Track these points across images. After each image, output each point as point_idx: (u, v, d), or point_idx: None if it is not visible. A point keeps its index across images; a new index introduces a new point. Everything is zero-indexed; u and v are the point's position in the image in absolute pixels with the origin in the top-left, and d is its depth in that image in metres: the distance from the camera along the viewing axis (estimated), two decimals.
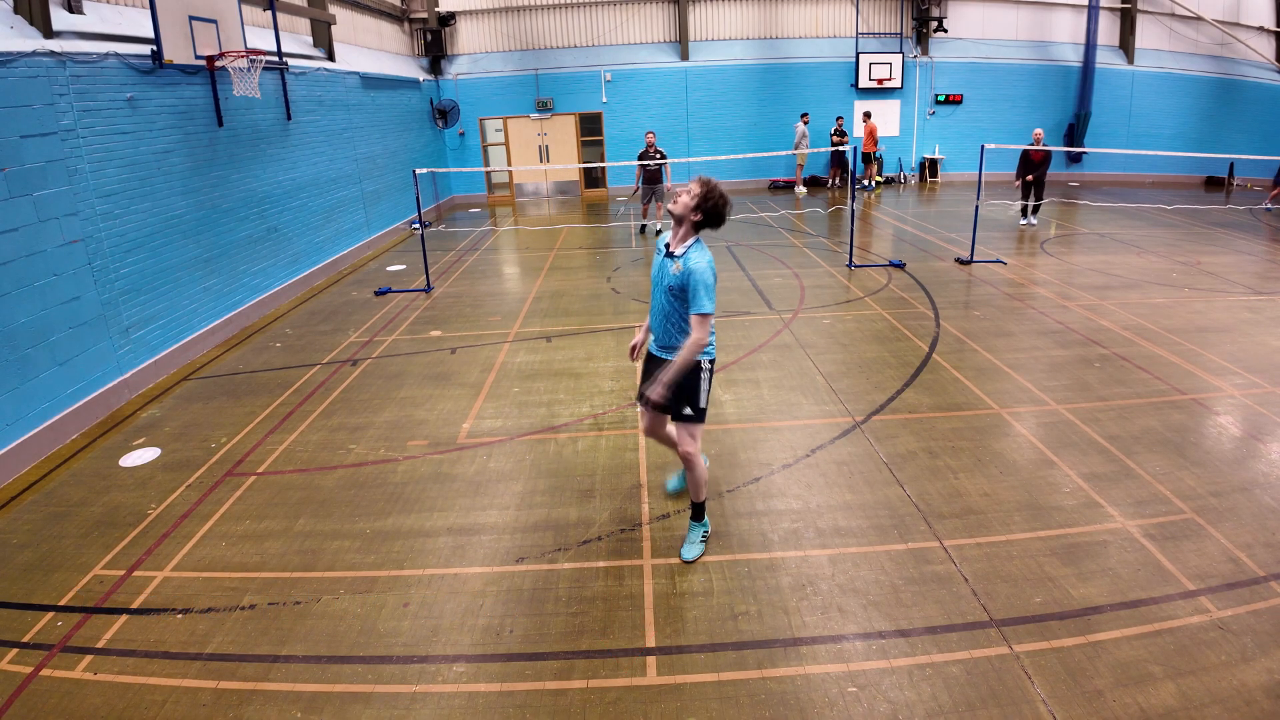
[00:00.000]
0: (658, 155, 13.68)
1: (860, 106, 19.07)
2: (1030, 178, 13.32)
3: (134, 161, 7.19)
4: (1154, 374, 6.55)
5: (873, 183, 18.75)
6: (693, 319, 3.76)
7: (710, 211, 3.77)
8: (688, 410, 3.95)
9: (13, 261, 5.66)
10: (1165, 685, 3.18)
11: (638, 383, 4.13)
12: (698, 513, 4.24)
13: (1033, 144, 13.17)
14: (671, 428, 4.28)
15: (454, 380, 7.02)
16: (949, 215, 14.88)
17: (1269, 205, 15.33)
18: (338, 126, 12.32)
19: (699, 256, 3.74)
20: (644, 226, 14.36)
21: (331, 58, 12.60)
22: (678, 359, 3.77)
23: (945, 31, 18.91)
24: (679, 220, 3.82)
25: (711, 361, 4.01)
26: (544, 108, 18.76)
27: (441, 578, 4.13)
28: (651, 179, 13.72)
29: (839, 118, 18.11)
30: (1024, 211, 13.74)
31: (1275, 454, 5.16)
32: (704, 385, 3.96)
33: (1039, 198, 13.51)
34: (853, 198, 11.30)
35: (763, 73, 18.85)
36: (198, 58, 7.98)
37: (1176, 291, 9.11)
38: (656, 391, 3.78)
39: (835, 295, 9.35)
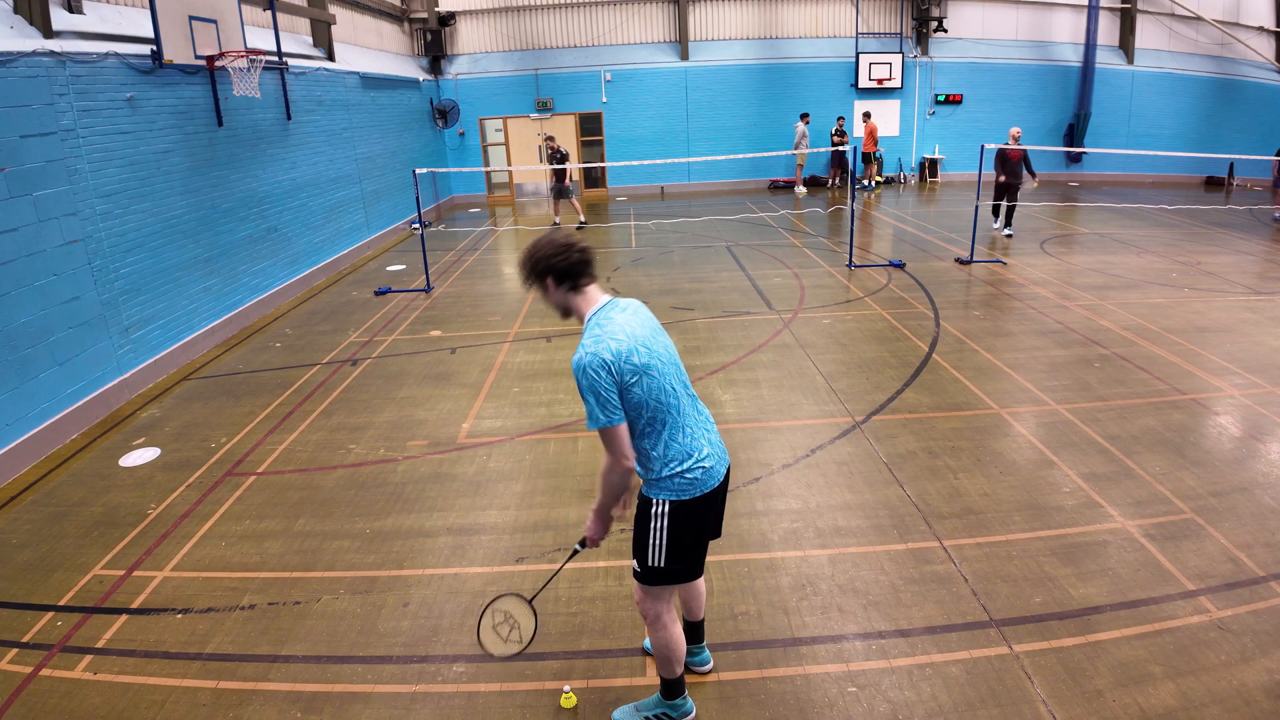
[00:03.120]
0: (560, 156, 14.69)
1: (860, 106, 19.06)
2: (1004, 178, 12.43)
3: (134, 161, 7.19)
4: (1154, 374, 6.55)
5: (873, 183, 18.75)
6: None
7: (544, 270, 2.63)
8: (634, 564, 2.83)
9: (13, 261, 5.66)
10: (1165, 685, 3.18)
11: None
12: (664, 689, 3.04)
13: (1009, 143, 12.33)
14: None
15: (454, 380, 7.02)
16: (949, 215, 14.88)
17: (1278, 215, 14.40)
18: (337, 126, 12.32)
19: (582, 342, 2.57)
20: (556, 223, 15.28)
21: (331, 58, 12.60)
22: (599, 496, 2.77)
23: (945, 31, 18.91)
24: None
25: (672, 504, 2.68)
26: (544, 108, 18.76)
27: (441, 578, 4.13)
28: (559, 178, 14.80)
29: (840, 118, 18.12)
30: (994, 212, 13.03)
31: (1275, 454, 5.16)
32: (653, 537, 2.71)
33: (1013, 199, 12.48)
34: (853, 198, 11.31)
35: (763, 73, 18.85)
36: (198, 58, 7.98)
37: (1176, 291, 9.11)
38: (587, 525, 2.90)
39: (835, 295, 9.35)
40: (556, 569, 3.38)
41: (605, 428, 2.53)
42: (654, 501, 2.70)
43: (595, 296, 2.68)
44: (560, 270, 2.61)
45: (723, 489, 2.81)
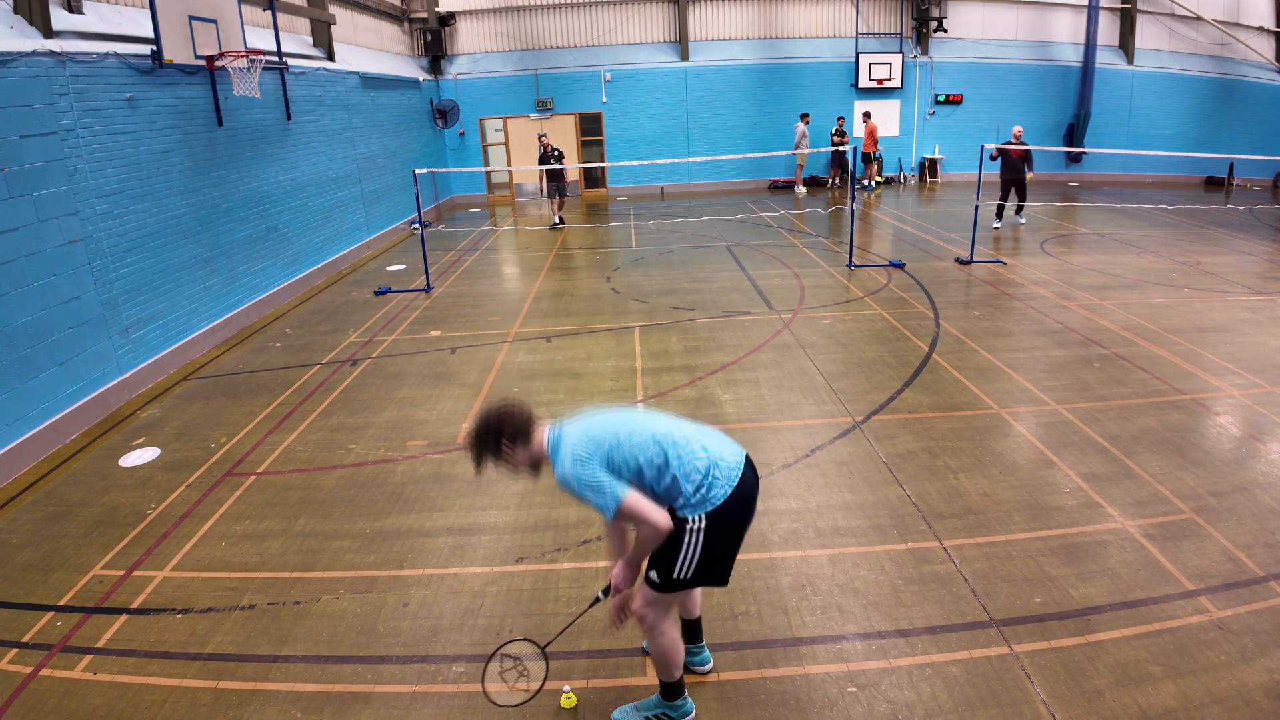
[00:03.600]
0: (556, 155, 14.90)
1: (860, 106, 19.06)
2: (1006, 175, 13.19)
3: (134, 161, 7.19)
4: (1154, 374, 6.55)
5: (873, 183, 18.75)
6: (615, 523, 2.79)
7: (496, 439, 2.70)
8: (653, 573, 2.82)
9: (13, 261, 5.66)
10: (1165, 685, 3.18)
11: None
12: (664, 690, 3.06)
13: (1011, 141, 13.02)
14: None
15: (454, 380, 7.02)
16: (949, 215, 14.88)
17: None
18: (337, 126, 12.32)
19: (562, 456, 2.66)
20: (555, 223, 15.32)
21: (331, 58, 12.60)
22: (632, 550, 2.83)
23: (945, 31, 18.91)
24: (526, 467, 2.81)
25: (709, 515, 2.68)
26: (544, 108, 18.76)
27: (441, 578, 4.13)
28: (554, 177, 15.00)
29: (840, 118, 18.12)
30: (999, 212, 13.57)
31: (1275, 454, 5.16)
32: (686, 551, 2.70)
33: (1021, 197, 13.41)
34: (853, 198, 11.30)
35: (763, 73, 18.85)
36: (197, 57, 7.98)
37: (1176, 291, 9.11)
38: (614, 574, 2.95)
39: (835, 295, 9.35)
40: (575, 616, 3.36)
41: (618, 504, 2.57)
42: (690, 519, 2.69)
43: (544, 432, 2.78)
44: (511, 432, 2.69)
45: (750, 480, 2.77)
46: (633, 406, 2.79)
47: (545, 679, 3.05)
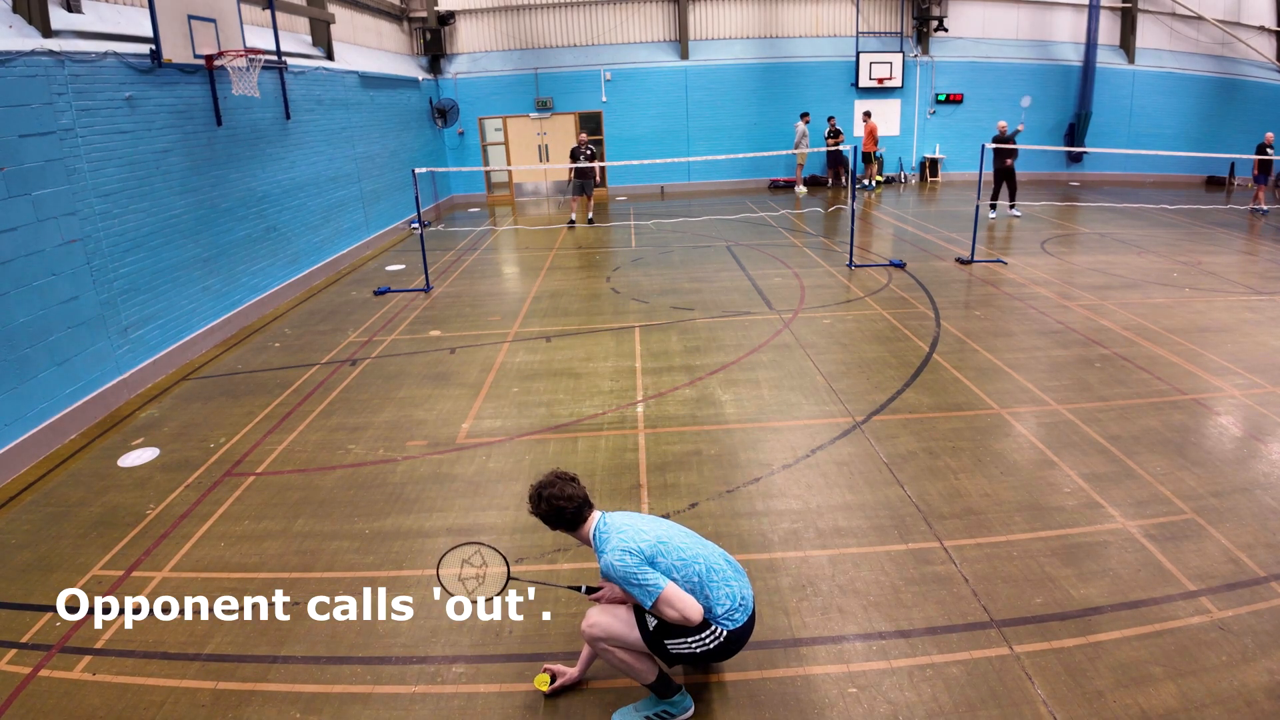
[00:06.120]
0: (589, 153, 14.98)
1: (860, 106, 19.04)
2: (1002, 168, 13.87)
3: (133, 161, 7.17)
4: (1155, 374, 6.54)
5: (873, 182, 18.74)
6: (652, 613, 2.93)
7: (548, 514, 3.01)
8: (651, 621, 2.98)
9: (11, 261, 5.65)
10: (1166, 686, 3.17)
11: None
12: (655, 690, 3.09)
13: (998, 136, 13.50)
14: (605, 613, 3.07)
15: (453, 380, 7.01)
16: (949, 215, 14.86)
17: (1254, 207, 14.68)
18: (337, 126, 12.30)
19: (610, 548, 2.90)
20: (573, 222, 15.24)
21: (330, 57, 12.58)
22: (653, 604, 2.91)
23: (946, 31, 18.89)
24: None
25: (730, 633, 2.97)
26: (543, 107, 18.74)
27: None
28: (582, 174, 14.97)
29: (830, 117, 18.12)
30: (992, 206, 14.18)
31: (1276, 454, 5.15)
32: (693, 644, 2.95)
33: (1013, 191, 14.04)
34: (853, 197, 11.29)
35: (763, 72, 18.83)
36: (196, 57, 7.97)
37: (1177, 291, 9.10)
38: (609, 586, 3.15)
39: (835, 295, 9.34)
40: (550, 583, 3.57)
41: (659, 594, 2.82)
42: (714, 628, 2.97)
43: (593, 518, 3.05)
44: (569, 518, 2.99)
45: (754, 613, 3.10)
46: (671, 520, 3.34)
47: (496, 595, 3.20)
